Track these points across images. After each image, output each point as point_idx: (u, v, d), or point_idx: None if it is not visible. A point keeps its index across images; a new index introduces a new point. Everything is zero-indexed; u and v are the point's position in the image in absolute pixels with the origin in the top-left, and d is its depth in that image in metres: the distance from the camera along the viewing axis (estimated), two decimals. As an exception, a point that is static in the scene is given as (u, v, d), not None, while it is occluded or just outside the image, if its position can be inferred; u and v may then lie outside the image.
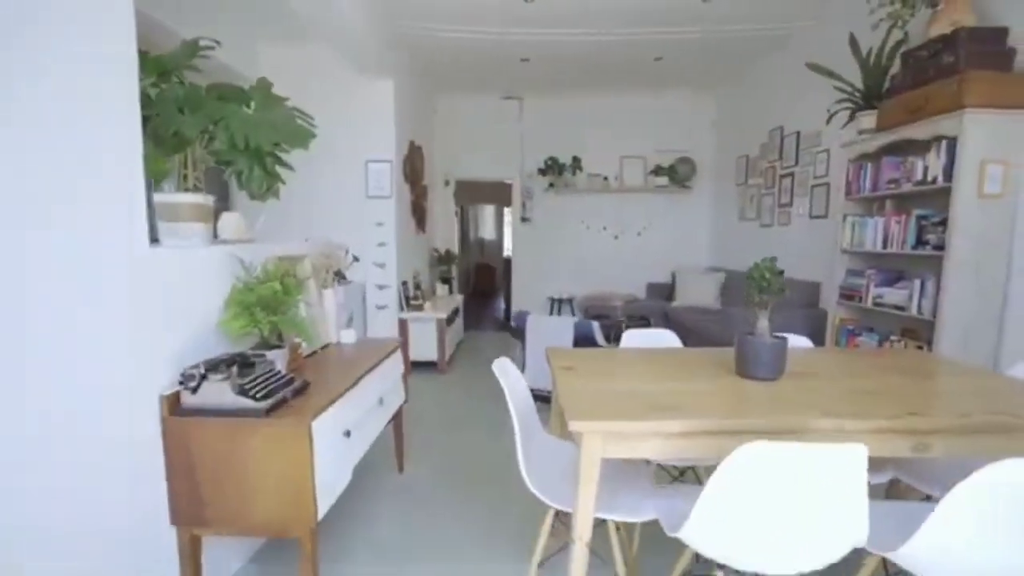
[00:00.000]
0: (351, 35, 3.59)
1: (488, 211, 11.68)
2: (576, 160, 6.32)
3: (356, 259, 2.79)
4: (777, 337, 1.68)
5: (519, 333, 3.29)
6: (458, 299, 5.66)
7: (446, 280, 6.09)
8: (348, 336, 2.51)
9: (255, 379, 1.59)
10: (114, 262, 1.37)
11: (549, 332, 3.10)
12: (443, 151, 6.45)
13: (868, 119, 3.32)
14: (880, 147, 3.18)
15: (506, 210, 11.60)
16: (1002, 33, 2.67)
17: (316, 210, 4.26)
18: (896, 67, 3.18)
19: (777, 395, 1.52)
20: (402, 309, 4.54)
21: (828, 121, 3.67)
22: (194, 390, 1.50)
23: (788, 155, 4.75)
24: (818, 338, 4.12)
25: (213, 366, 1.55)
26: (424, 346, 4.56)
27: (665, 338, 2.38)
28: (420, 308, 4.61)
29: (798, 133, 4.60)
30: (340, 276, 2.55)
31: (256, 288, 1.76)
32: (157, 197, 1.69)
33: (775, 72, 4.95)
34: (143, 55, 1.53)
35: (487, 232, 11.76)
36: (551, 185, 6.41)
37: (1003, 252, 2.69)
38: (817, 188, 4.32)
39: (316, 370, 2.02)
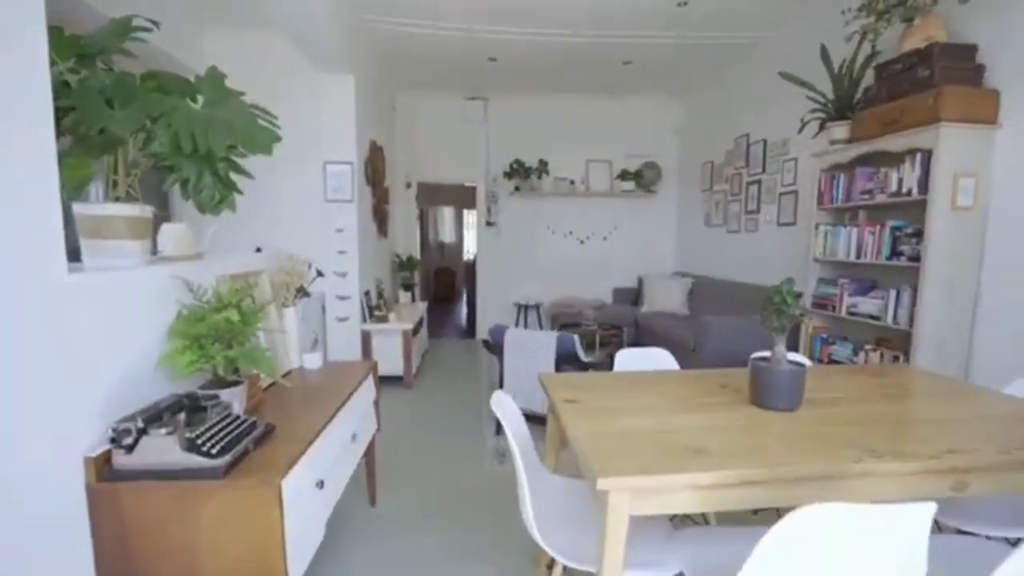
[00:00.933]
0: (309, 23, 3.29)
1: (447, 213, 11.40)
2: (543, 163, 6.19)
3: (320, 274, 2.52)
4: (793, 363, 1.57)
5: (495, 349, 3.10)
6: (422, 307, 5.40)
7: (408, 287, 5.81)
8: (313, 361, 2.24)
9: (208, 429, 1.32)
10: (19, 289, 1.08)
11: (529, 348, 2.93)
12: (404, 152, 6.16)
13: (840, 130, 3.35)
14: (854, 158, 3.21)
15: (466, 212, 11.38)
16: (972, 50, 2.72)
17: (270, 216, 3.90)
18: (868, 79, 3.21)
19: (804, 431, 1.40)
20: (365, 321, 4.24)
21: (800, 130, 3.69)
22: (130, 448, 1.22)
23: (755, 162, 4.80)
24: (791, 344, 4.15)
25: (154, 416, 1.28)
26: (389, 359, 4.29)
27: (659, 358, 2.25)
28: (384, 319, 4.33)
29: (765, 141, 4.64)
30: (303, 293, 2.28)
31: (207, 316, 1.49)
32: (78, 208, 1.39)
33: (741, 80, 5.00)
34: (55, 32, 1.24)
35: (447, 234, 11.48)
36: (517, 189, 6.25)
37: (974, 265, 2.74)
38: (785, 196, 4.36)
39: (279, 406, 1.76)
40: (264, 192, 3.82)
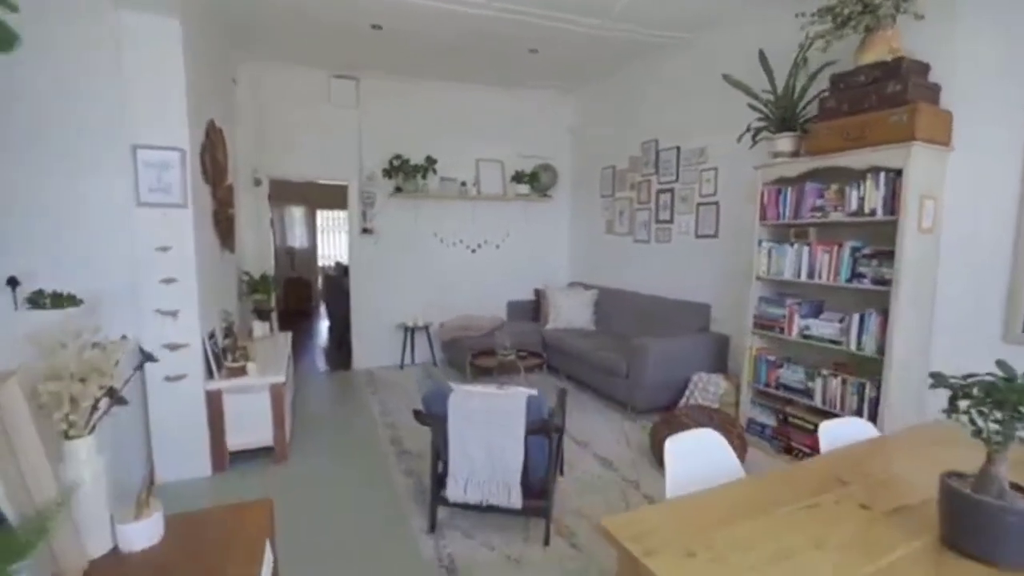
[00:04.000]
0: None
1: (296, 213, 9.70)
2: (430, 161, 5.30)
3: (151, 358, 1.41)
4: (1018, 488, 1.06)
5: (433, 420, 2.23)
6: (285, 343, 4.16)
7: (265, 315, 4.47)
8: (142, 532, 1.17)
9: None
10: None
11: (485, 417, 2.13)
12: (251, 140, 4.75)
13: (785, 141, 3.16)
14: (804, 172, 3.02)
15: (320, 212, 9.87)
16: (926, 68, 2.66)
17: (40, 231, 2.42)
18: (813, 90, 3.06)
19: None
20: (211, 376, 2.96)
21: (743, 138, 3.45)
22: None
23: (666, 170, 4.58)
24: (719, 363, 3.98)
25: None
26: (252, 427, 3.07)
27: (712, 448, 1.64)
28: (241, 371, 3.09)
29: (678, 148, 4.44)
30: (115, 399, 1.19)
31: None
32: None
33: (651, 81, 4.74)
34: None
35: (297, 238, 9.78)
36: (398, 190, 5.27)
37: (930, 285, 2.71)
38: (705, 207, 4.19)
39: None
40: (30, 193, 2.37)
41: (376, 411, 4.08)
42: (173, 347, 2.83)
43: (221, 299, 3.55)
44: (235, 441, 3.03)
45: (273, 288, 4.67)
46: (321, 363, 5.87)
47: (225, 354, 3.16)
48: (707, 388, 3.64)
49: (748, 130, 3.34)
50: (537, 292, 5.84)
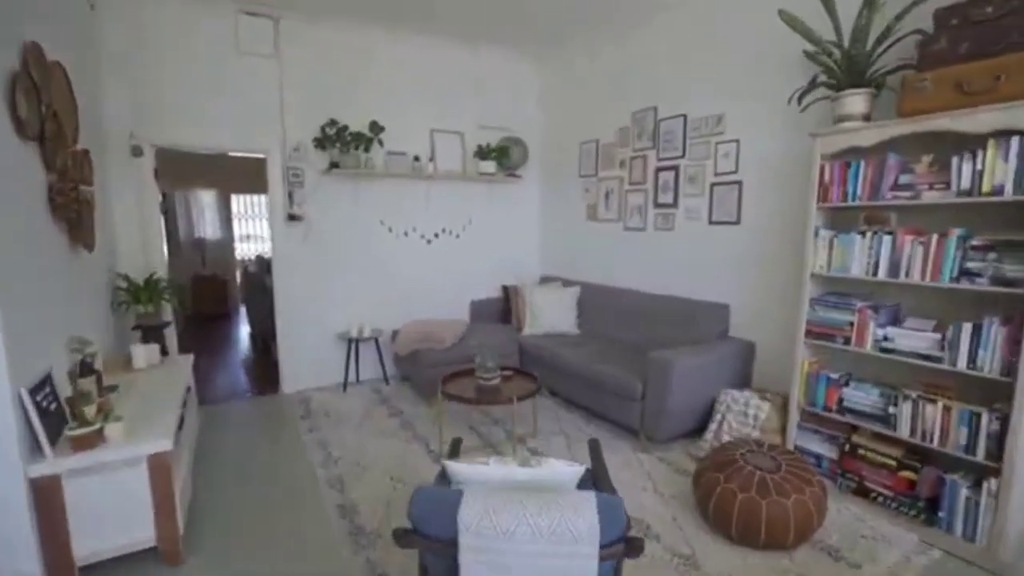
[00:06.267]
0: None
1: (206, 198, 8.16)
2: (375, 129, 4.23)
3: None
4: None
5: (434, 549, 1.28)
6: (182, 369, 3.02)
7: (154, 332, 3.28)
8: None
9: None
10: None
11: (530, 551, 1.21)
12: (127, 96, 3.47)
13: (857, 102, 2.45)
14: (884, 140, 2.33)
15: (236, 197, 8.40)
16: (1065, -5, 2.01)
17: None
18: (886, 40, 2.36)
19: None
20: (41, 453, 1.84)
21: (793, 100, 2.73)
22: None
23: (669, 144, 3.81)
24: (744, 376, 3.30)
25: None
26: (118, 523, 1.99)
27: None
28: (95, 440, 1.97)
29: (684, 117, 3.68)
30: None
31: None
32: None
33: (646, 35, 3.93)
34: None
35: (208, 229, 8.24)
36: (334, 165, 4.16)
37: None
38: (722, 187, 3.46)
39: None
40: None
41: (316, 458, 3.05)
42: (-38, 414, 1.68)
43: (69, 322, 2.37)
44: (89, 549, 1.93)
45: (168, 294, 3.46)
46: (241, 382, 4.67)
47: (63, 413, 2.02)
48: (743, 411, 2.93)
49: (814, 84, 2.60)
50: (506, 289, 4.95)
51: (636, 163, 4.12)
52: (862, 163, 2.44)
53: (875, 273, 2.42)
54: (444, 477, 1.59)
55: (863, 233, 2.47)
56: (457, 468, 1.49)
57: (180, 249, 7.48)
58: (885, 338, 2.41)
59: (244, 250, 8.77)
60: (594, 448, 2.00)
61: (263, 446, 3.24)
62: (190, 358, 3.26)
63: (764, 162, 3.19)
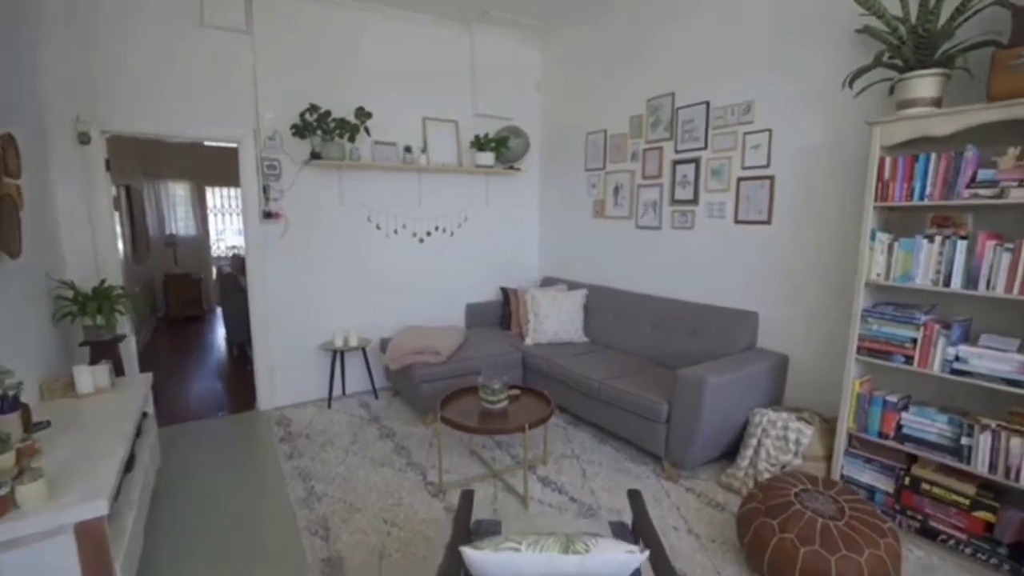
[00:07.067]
0: None
1: (179, 191, 7.63)
2: (362, 115, 3.79)
3: None
4: None
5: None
6: (140, 387, 2.59)
7: (102, 351, 2.83)
8: None
9: None
10: None
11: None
12: (73, 71, 3.00)
13: (928, 84, 2.11)
14: (963, 129, 2.00)
15: (210, 190, 7.89)
16: None
17: None
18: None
19: None
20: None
21: (843, 85, 2.38)
22: None
23: (689, 134, 3.46)
24: (776, 392, 2.97)
25: None
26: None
27: None
28: (2, 507, 1.55)
29: (707, 104, 3.32)
30: None
31: None
32: None
33: (662, 14, 3.55)
34: None
35: (181, 224, 7.71)
36: (315, 156, 3.73)
37: None
38: (750, 183, 3.12)
39: None
40: None
41: (296, 494, 2.65)
42: None
43: (-14, 346, 1.94)
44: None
45: (124, 303, 3.00)
46: (213, 396, 4.22)
47: (-22, 465, 1.60)
48: (782, 435, 2.60)
49: (880, 61, 2.25)
50: (505, 292, 4.57)
51: (651, 155, 3.76)
52: (932, 156, 2.10)
53: (947, 283, 2.09)
54: (455, 565, 1.22)
55: (930, 237, 2.14)
56: (478, 559, 1.12)
57: (149, 247, 6.95)
58: (957, 358, 2.09)
59: (221, 247, 8.26)
60: (636, 501, 1.65)
61: (234, 481, 2.82)
62: (148, 378, 2.82)
63: (801, 155, 2.85)
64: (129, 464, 2.18)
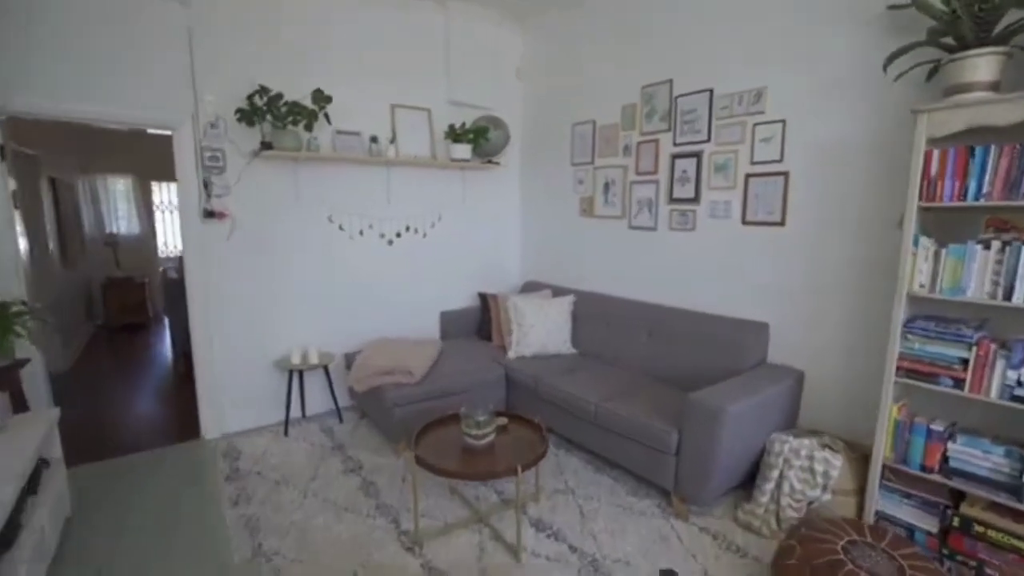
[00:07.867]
0: None
1: (121, 186, 6.92)
2: (320, 99, 3.32)
3: None
4: None
5: None
6: (40, 427, 2.09)
7: (7, 375, 2.30)
8: None
9: None
10: None
11: None
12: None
13: (983, 65, 1.81)
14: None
15: (156, 185, 7.22)
16: None
17: None
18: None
19: None
20: None
21: (887, 67, 2.07)
22: None
23: (690, 125, 3.12)
24: (792, 413, 2.67)
25: None
26: None
27: None
28: None
29: (711, 92, 2.99)
30: None
31: None
32: None
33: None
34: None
35: (122, 223, 7.00)
36: (266, 146, 3.24)
37: None
38: (760, 179, 2.80)
39: None
40: None
41: (242, 552, 2.18)
42: None
43: None
44: None
45: (23, 324, 2.47)
46: (152, 421, 3.67)
47: None
48: (807, 465, 2.29)
49: (935, 36, 1.94)
50: (483, 298, 4.17)
51: (645, 149, 3.41)
52: (992, 148, 1.81)
53: (1008, 296, 1.80)
54: None
55: (985, 243, 1.85)
56: None
57: (84, 248, 6.24)
58: (1019, 382, 1.80)
59: (171, 247, 7.57)
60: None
61: (164, 538, 2.33)
62: (53, 415, 2.31)
63: (821, 148, 2.54)
64: (7, 538, 1.68)
